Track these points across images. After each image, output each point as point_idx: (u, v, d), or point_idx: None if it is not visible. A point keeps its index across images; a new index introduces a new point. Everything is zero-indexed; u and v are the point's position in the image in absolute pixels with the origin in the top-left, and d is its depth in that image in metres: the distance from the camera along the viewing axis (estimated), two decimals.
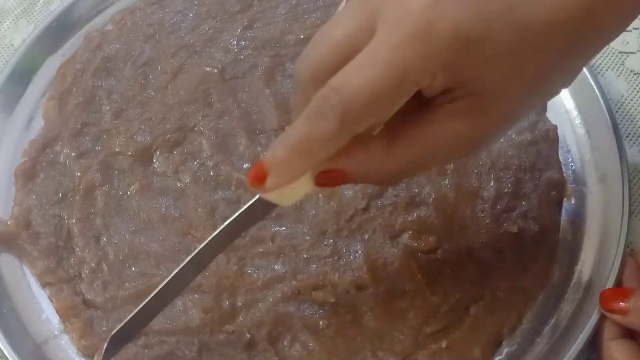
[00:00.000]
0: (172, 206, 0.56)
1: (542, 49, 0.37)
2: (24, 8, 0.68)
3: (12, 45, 0.66)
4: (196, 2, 0.65)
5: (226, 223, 0.45)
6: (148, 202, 0.56)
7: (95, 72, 0.62)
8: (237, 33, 0.63)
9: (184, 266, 0.46)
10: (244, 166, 0.57)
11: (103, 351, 0.46)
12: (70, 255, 0.54)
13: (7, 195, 0.57)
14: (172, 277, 0.46)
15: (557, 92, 0.42)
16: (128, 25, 0.65)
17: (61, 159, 0.58)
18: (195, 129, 0.59)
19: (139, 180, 0.57)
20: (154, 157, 0.58)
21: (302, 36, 0.63)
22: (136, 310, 0.47)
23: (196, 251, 0.46)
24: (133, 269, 0.53)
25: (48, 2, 0.68)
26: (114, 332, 0.46)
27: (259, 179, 0.39)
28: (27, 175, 0.57)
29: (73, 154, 0.58)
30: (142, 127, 0.59)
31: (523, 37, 0.36)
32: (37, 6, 0.68)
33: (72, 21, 0.64)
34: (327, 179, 0.41)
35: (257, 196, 0.44)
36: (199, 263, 0.47)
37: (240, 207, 0.53)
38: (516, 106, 0.40)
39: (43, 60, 0.63)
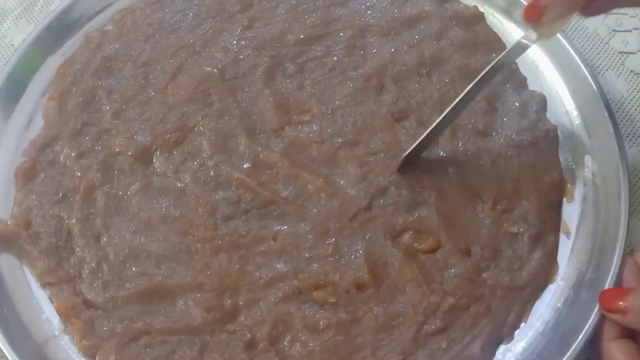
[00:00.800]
0: (172, 206, 0.56)
1: None
2: (24, 8, 0.68)
3: (12, 45, 0.66)
4: (196, 2, 0.65)
5: (492, 64, 0.52)
6: (148, 202, 0.56)
7: (95, 72, 0.62)
8: (237, 33, 0.63)
9: (456, 103, 0.53)
10: (244, 166, 0.57)
11: (400, 161, 0.56)
12: (70, 255, 0.54)
13: (7, 195, 0.57)
14: (447, 112, 0.54)
15: None
16: (128, 25, 0.64)
17: (61, 158, 0.58)
18: (195, 129, 0.59)
19: (139, 180, 0.57)
20: (154, 157, 0.58)
21: (302, 36, 0.63)
22: (422, 136, 0.55)
23: (466, 90, 0.53)
24: (133, 269, 0.53)
25: (48, 2, 0.68)
26: (407, 152, 0.55)
27: (537, 14, 0.48)
28: (27, 175, 0.57)
29: (73, 154, 0.58)
30: (142, 127, 0.59)
31: None
32: (37, 6, 0.68)
33: (71, 21, 0.64)
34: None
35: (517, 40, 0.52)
36: (467, 98, 0.54)
37: (240, 206, 0.53)
38: None
39: (43, 60, 0.63)
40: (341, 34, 0.63)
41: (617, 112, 0.59)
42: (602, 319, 0.49)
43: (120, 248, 0.54)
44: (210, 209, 0.55)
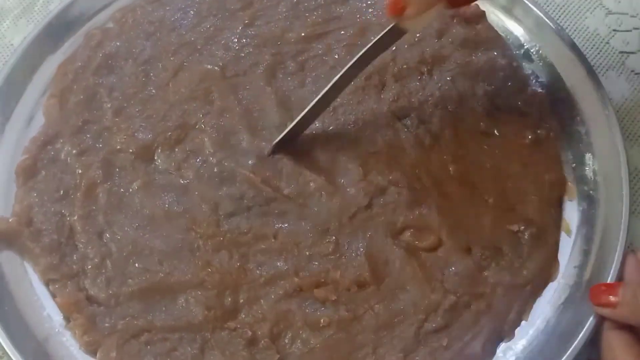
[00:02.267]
0: (175, 203, 0.56)
1: None
2: (24, 8, 0.68)
3: (12, 45, 0.66)
4: (197, 0, 0.65)
5: (363, 51, 0.53)
6: (151, 199, 0.56)
7: (96, 70, 0.62)
8: (238, 31, 0.63)
9: (327, 90, 0.55)
10: (248, 162, 0.57)
11: (270, 150, 0.57)
12: (73, 252, 0.54)
13: (8, 192, 0.57)
14: (316, 100, 0.55)
15: None
16: (129, 22, 0.64)
17: (62, 156, 0.58)
18: (197, 126, 0.59)
19: (140, 177, 0.57)
20: (156, 155, 0.58)
21: (302, 34, 0.63)
22: (292, 124, 0.56)
23: (337, 77, 0.54)
24: (136, 265, 0.53)
25: (47, 1, 0.68)
26: (275, 141, 0.57)
27: (399, 8, 0.48)
28: (27, 172, 0.57)
29: (74, 151, 0.58)
30: (143, 124, 0.59)
31: None
32: (36, 6, 0.68)
33: (72, 19, 0.64)
34: None
35: (390, 25, 0.51)
36: (339, 87, 0.56)
37: (243, 203, 0.53)
38: None
39: (43, 58, 0.62)
40: (342, 32, 0.63)
41: (618, 111, 0.59)
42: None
43: (123, 244, 0.54)
44: (213, 205, 0.55)
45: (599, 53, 0.64)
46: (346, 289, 0.52)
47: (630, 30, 0.65)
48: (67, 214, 0.55)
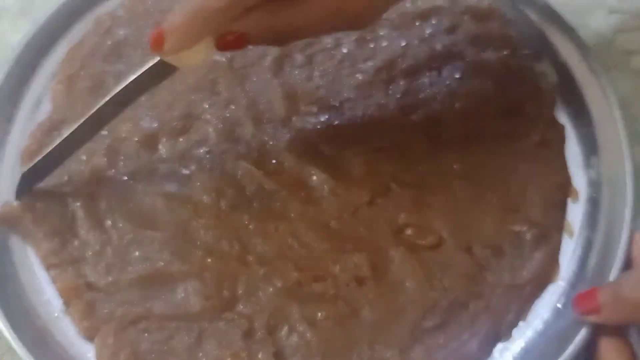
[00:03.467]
0: (177, 192, 0.56)
1: None
2: (23, 7, 0.68)
3: (12, 44, 0.65)
4: None
5: (126, 82, 0.49)
6: (153, 188, 0.56)
7: (105, 57, 0.62)
8: None
9: (83, 122, 0.51)
10: (252, 154, 0.57)
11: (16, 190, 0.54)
12: (74, 238, 0.54)
13: (14, 177, 0.57)
14: (72, 131, 0.52)
15: None
16: (139, 10, 0.65)
17: None
18: (202, 117, 0.59)
19: (144, 165, 0.57)
20: (160, 144, 0.58)
21: None
22: (42, 155, 0.53)
23: (95, 108, 0.51)
24: (137, 253, 0.54)
25: (47, 1, 0.67)
26: (23, 172, 0.54)
27: (159, 43, 0.44)
28: (33, 157, 0.57)
29: None
30: (149, 113, 0.59)
31: None
32: (35, 4, 0.68)
33: (81, 4, 0.65)
34: (227, 42, 0.45)
35: (157, 58, 0.47)
36: (98, 120, 0.52)
37: (245, 195, 0.53)
38: None
39: (53, 43, 0.63)
40: None
41: (621, 111, 0.59)
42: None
43: (124, 232, 0.54)
44: (215, 196, 0.55)
45: (602, 53, 0.64)
46: (345, 284, 0.52)
47: (634, 30, 0.65)
48: (70, 200, 0.56)
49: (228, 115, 0.59)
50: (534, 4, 0.63)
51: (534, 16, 0.63)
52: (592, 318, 0.48)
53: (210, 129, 0.58)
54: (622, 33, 0.65)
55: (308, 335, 0.51)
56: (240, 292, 0.52)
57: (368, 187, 0.55)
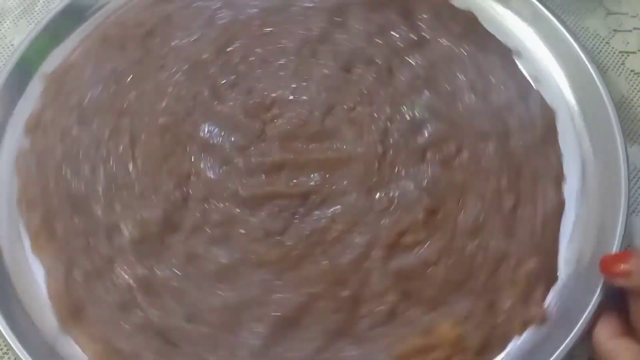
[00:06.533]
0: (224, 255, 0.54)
1: None
2: (24, 8, 0.68)
3: (12, 45, 0.66)
4: None
5: None
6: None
7: None
8: None
9: None
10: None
11: None
12: None
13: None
14: None
15: None
16: None
17: None
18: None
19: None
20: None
21: None
22: None
23: None
24: None
25: (48, 1, 0.68)
26: None
27: None
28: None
29: None
30: None
31: None
32: (37, 6, 0.68)
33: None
34: None
35: None
36: None
37: (286, 215, 0.55)
38: None
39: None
40: None
41: (617, 111, 0.59)
42: (597, 317, 0.48)
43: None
44: (263, 233, 0.54)
45: (598, 53, 0.64)
46: (423, 223, 0.53)
47: (630, 31, 0.65)
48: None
49: None
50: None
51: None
52: (620, 282, 0.47)
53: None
54: (618, 33, 0.65)
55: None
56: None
57: (371, 143, 0.57)
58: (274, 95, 0.59)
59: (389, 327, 0.51)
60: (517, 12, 0.63)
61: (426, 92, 0.59)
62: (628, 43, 0.64)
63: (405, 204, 0.54)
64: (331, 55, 0.60)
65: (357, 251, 0.53)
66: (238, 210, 0.54)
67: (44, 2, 0.68)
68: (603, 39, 0.65)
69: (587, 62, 0.58)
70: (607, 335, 0.47)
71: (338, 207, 0.54)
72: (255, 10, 0.63)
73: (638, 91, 0.62)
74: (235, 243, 0.53)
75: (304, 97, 0.59)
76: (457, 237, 0.53)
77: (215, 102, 0.59)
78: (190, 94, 0.59)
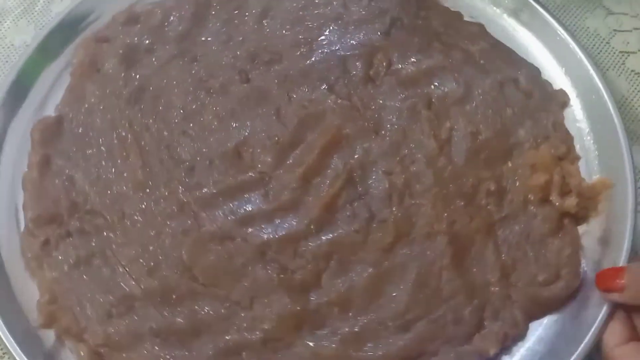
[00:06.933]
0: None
1: None
2: (24, 8, 0.67)
3: (13, 45, 0.65)
4: None
5: None
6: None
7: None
8: None
9: None
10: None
11: None
12: None
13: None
14: None
15: None
16: None
17: None
18: None
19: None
20: None
21: None
22: None
23: None
24: None
25: (49, 2, 0.67)
26: None
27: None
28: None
29: None
30: None
31: None
32: (37, 6, 0.67)
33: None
34: None
35: None
36: None
37: (333, 223, 0.56)
38: None
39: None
40: None
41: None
42: (605, 323, 0.49)
43: None
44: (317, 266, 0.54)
45: (599, 53, 0.65)
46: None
47: (631, 31, 0.66)
48: None
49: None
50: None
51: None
52: (614, 297, 0.48)
53: None
54: (618, 33, 0.66)
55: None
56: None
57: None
58: None
59: None
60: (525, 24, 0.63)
61: None
62: (628, 43, 0.65)
63: None
64: None
65: None
66: None
67: (44, 2, 0.68)
68: (603, 39, 0.65)
69: (587, 62, 0.59)
70: (615, 341, 0.48)
71: (361, 199, 0.56)
72: None
73: (638, 91, 0.63)
74: None
75: None
76: None
77: None
78: None
